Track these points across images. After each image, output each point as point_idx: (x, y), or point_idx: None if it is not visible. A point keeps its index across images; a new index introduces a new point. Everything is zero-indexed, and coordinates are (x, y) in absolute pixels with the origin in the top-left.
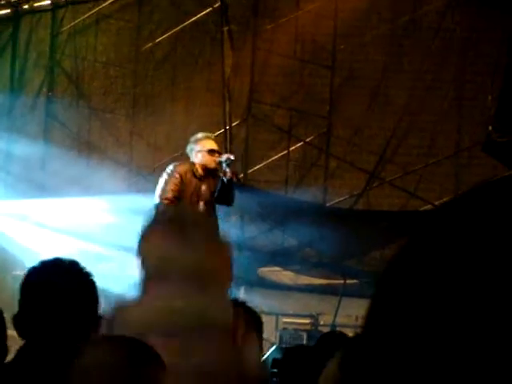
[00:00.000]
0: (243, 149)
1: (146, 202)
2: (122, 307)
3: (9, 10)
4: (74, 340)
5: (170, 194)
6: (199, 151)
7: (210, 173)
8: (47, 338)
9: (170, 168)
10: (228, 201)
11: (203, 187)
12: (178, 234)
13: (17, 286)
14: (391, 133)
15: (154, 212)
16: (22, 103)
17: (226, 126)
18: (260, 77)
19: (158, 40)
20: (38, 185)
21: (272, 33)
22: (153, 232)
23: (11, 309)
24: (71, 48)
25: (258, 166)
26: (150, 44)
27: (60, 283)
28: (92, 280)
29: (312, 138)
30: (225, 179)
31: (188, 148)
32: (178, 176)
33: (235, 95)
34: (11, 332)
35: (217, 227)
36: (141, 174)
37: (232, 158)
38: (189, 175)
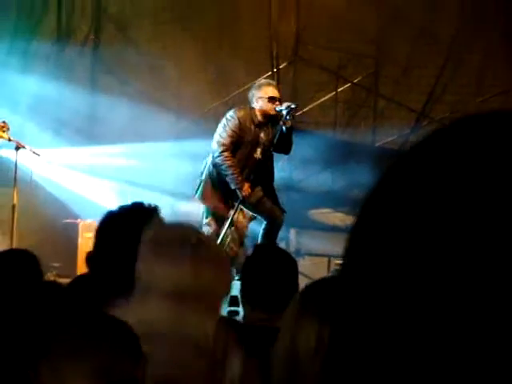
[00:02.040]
0: (291, 91)
1: (195, 148)
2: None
3: None
4: None
5: (227, 140)
6: (260, 97)
7: (269, 120)
8: (117, 276)
9: (229, 113)
10: (286, 149)
11: (262, 134)
12: (158, 254)
13: (67, 233)
14: (439, 71)
15: (211, 158)
16: (69, 51)
17: (273, 69)
18: (306, 18)
19: None
20: (86, 132)
21: None
22: (142, 248)
23: (62, 256)
24: None
25: (306, 108)
26: None
27: (138, 228)
28: None
29: (360, 78)
30: (284, 128)
31: (250, 94)
32: (237, 122)
33: (282, 37)
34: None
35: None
36: (189, 120)
37: (293, 106)
38: (248, 121)
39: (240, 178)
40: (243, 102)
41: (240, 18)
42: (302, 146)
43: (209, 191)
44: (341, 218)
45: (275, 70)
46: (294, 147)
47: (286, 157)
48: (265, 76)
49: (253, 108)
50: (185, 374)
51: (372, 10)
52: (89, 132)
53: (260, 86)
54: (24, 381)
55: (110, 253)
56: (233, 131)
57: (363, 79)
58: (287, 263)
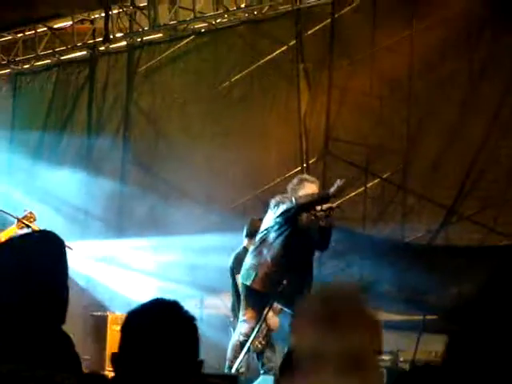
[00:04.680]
0: (320, 186)
1: (223, 242)
2: None
3: (85, 52)
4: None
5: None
6: (306, 195)
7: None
8: (144, 379)
9: (286, 199)
10: (323, 247)
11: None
12: (328, 322)
13: (96, 326)
14: (469, 168)
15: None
16: (100, 144)
17: (303, 163)
18: (336, 114)
19: (234, 78)
20: (115, 225)
21: (348, 70)
22: (301, 322)
23: (92, 349)
24: (148, 88)
25: (335, 203)
26: (227, 83)
27: (162, 326)
28: (194, 324)
29: (389, 174)
30: (326, 227)
31: (292, 186)
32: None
33: (311, 132)
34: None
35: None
36: (218, 213)
37: (334, 206)
38: None
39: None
40: (273, 197)
41: (270, 113)
42: (331, 240)
43: (265, 276)
44: None
45: (305, 164)
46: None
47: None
48: (295, 171)
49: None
50: None
51: (403, 107)
52: (117, 224)
53: (303, 182)
54: None
55: (133, 354)
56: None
57: (392, 175)
58: None
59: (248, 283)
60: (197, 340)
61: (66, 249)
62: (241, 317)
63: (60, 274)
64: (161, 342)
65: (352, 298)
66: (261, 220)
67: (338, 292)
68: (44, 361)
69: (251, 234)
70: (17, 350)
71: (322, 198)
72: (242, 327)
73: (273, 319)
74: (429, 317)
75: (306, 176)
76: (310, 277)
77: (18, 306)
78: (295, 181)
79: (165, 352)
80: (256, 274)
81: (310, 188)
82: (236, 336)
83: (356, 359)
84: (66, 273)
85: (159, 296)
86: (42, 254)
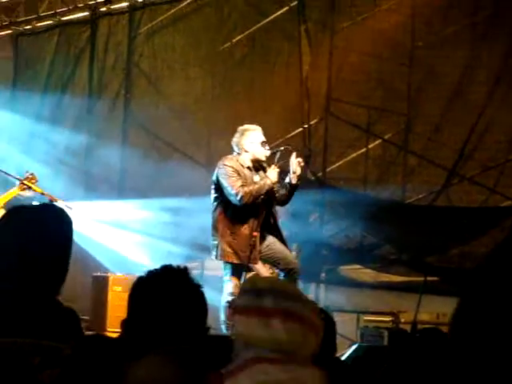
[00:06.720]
0: (322, 147)
1: None
2: None
3: (87, 13)
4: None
5: (236, 182)
6: (251, 143)
7: (259, 165)
8: (154, 343)
9: (219, 167)
10: (284, 203)
11: (255, 178)
12: (257, 316)
13: (97, 287)
14: (470, 129)
15: (234, 200)
16: (101, 105)
17: (304, 124)
18: (338, 75)
19: (235, 40)
20: (117, 186)
21: (349, 31)
22: (236, 312)
23: (92, 310)
24: (149, 49)
25: (336, 164)
26: (228, 44)
27: (170, 292)
28: (201, 291)
29: (390, 135)
30: (293, 181)
31: (235, 139)
32: (230, 168)
33: (313, 93)
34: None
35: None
36: None
37: (281, 148)
38: (239, 167)
39: (263, 181)
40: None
41: (271, 74)
42: (332, 201)
43: (227, 246)
44: (370, 275)
45: (306, 125)
46: (324, 203)
47: (317, 211)
48: (296, 132)
49: (239, 154)
50: None
51: (405, 69)
52: (119, 186)
53: (244, 132)
54: None
55: (143, 319)
56: (235, 177)
57: (394, 136)
58: (326, 323)
59: (212, 257)
60: (204, 307)
61: (68, 211)
62: (225, 276)
63: (66, 250)
64: (168, 308)
65: (286, 297)
66: None
67: (271, 289)
68: (48, 333)
69: None
70: (20, 323)
71: (263, 190)
72: (228, 286)
73: (262, 269)
74: (430, 278)
75: (246, 126)
76: (278, 232)
77: (24, 279)
78: (237, 134)
79: (172, 318)
80: (217, 248)
81: (252, 136)
82: (224, 297)
83: (281, 352)
84: (70, 250)
85: (160, 258)
86: (52, 229)
